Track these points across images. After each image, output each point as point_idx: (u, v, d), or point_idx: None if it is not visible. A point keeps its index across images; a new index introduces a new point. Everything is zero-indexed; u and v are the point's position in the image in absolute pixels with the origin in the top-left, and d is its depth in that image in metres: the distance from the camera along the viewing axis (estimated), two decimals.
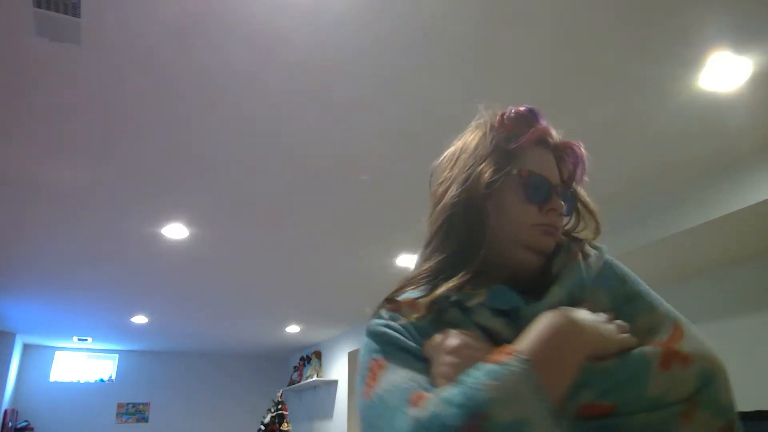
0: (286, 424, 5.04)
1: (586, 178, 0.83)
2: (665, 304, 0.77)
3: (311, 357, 7.49)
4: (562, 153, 0.82)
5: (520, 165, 0.75)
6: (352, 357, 6.56)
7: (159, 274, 4.43)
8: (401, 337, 0.68)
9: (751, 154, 2.59)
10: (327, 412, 6.98)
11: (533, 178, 0.75)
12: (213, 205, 3.18)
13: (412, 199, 3.00)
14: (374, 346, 0.69)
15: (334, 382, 6.85)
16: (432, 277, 0.74)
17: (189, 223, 3.40)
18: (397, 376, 0.63)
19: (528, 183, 0.74)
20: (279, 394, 5.49)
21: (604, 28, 1.85)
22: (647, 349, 0.65)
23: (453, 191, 0.75)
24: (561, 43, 1.92)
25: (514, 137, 0.77)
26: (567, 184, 0.81)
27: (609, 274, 0.78)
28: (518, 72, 2.08)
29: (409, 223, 3.33)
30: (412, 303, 0.72)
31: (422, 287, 0.74)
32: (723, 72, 2.03)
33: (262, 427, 5.06)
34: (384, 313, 0.74)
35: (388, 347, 0.68)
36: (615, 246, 3.27)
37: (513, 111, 0.81)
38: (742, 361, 3.25)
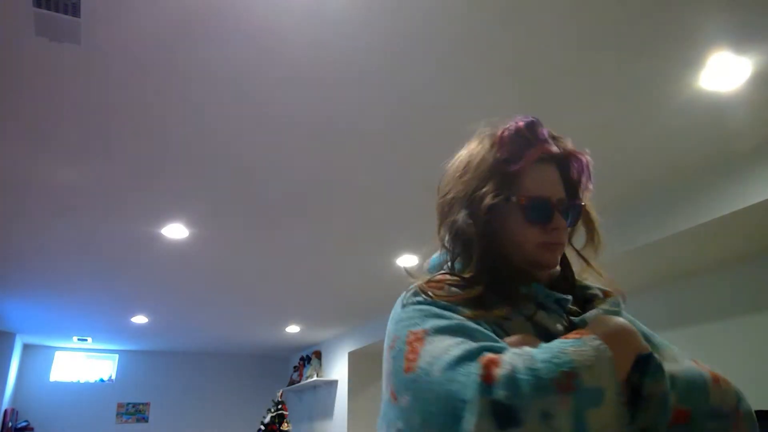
0: (286, 424, 5.04)
1: (591, 186, 0.85)
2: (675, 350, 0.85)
3: (311, 357, 7.49)
4: (567, 162, 0.84)
5: (519, 189, 0.78)
6: (352, 357, 6.56)
7: (159, 274, 4.43)
8: (445, 312, 0.70)
9: (751, 154, 2.59)
10: (327, 412, 6.98)
11: (532, 203, 0.78)
12: (213, 205, 3.18)
13: (413, 200, 3.01)
14: (415, 319, 0.70)
15: (334, 382, 6.85)
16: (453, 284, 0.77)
17: (189, 223, 3.40)
18: (445, 343, 0.64)
19: (527, 208, 0.78)
20: (279, 394, 5.49)
21: (605, 28, 1.84)
22: (693, 365, 0.74)
23: (456, 209, 0.80)
24: (561, 43, 1.92)
25: (513, 159, 0.79)
26: (572, 194, 0.83)
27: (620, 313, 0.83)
28: (519, 72, 2.08)
29: (409, 224, 3.33)
30: (455, 294, 0.74)
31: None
32: (723, 72, 2.03)
33: (262, 427, 5.06)
34: (426, 288, 0.75)
35: (430, 320, 0.69)
36: (615, 246, 3.27)
37: (512, 128, 0.82)
38: (743, 361, 3.25)
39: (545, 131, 0.83)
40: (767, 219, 2.71)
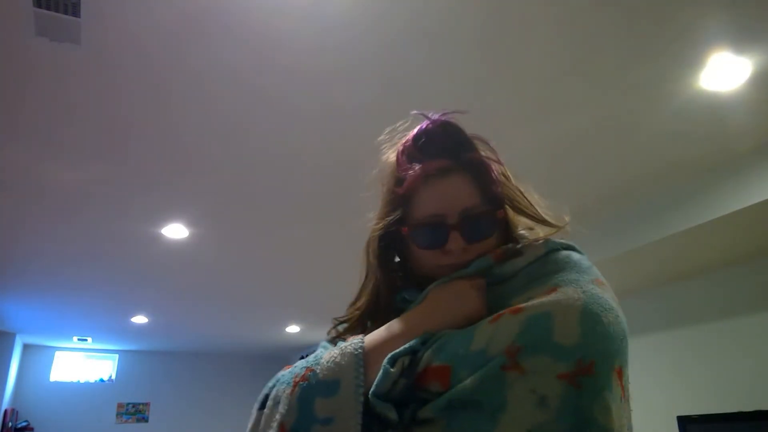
0: None
1: (503, 174, 0.75)
2: (571, 277, 0.66)
3: None
4: (473, 167, 0.74)
5: (409, 213, 0.74)
6: None
7: (159, 274, 4.43)
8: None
9: (751, 154, 2.59)
10: None
11: (419, 231, 0.73)
12: (213, 205, 3.18)
13: None
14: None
15: None
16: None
17: (189, 223, 3.40)
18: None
19: (414, 237, 0.73)
20: None
21: (606, 28, 1.84)
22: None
23: (373, 231, 0.82)
24: (562, 44, 1.92)
25: (403, 179, 0.75)
26: (490, 198, 0.74)
27: (545, 262, 0.71)
28: (519, 72, 2.08)
29: None
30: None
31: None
32: (723, 72, 2.03)
33: None
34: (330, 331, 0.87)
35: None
36: (615, 246, 3.27)
37: (403, 144, 0.78)
38: (743, 361, 3.25)
39: (441, 139, 0.75)
40: (767, 219, 2.71)
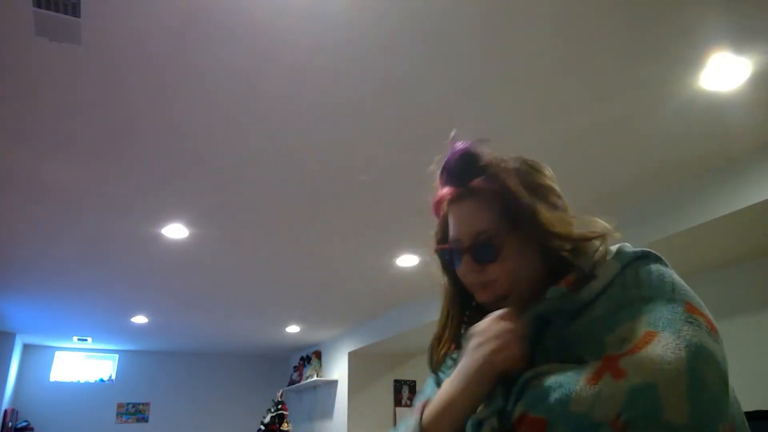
0: (286, 424, 5.04)
1: (519, 187, 0.75)
2: (664, 314, 0.65)
3: (311, 357, 7.49)
4: (484, 193, 0.76)
5: (444, 235, 0.82)
6: (352, 357, 6.56)
7: (159, 274, 4.43)
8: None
9: (751, 154, 2.59)
10: (327, 412, 6.98)
11: (442, 254, 0.82)
12: (213, 205, 3.18)
13: (413, 200, 3.00)
14: None
15: (334, 382, 6.85)
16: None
17: (189, 223, 3.40)
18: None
19: (441, 259, 0.83)
20: (279, 394, 5.49)
21: (605, 28, 1.84)
22: (592, 362, 0.62)
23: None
24: (562, 44, 1.92)
25: (437, 207, 0.84)
26: (500, 219, 0.75)
27: (624, 282, 0.71)
28: (519, 72, 2.08)
29: (409, 224, 3.33)
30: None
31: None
32: (723, 72, 2.03)
33: (262, 427, 5.05)
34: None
35: None
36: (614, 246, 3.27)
37: (438, 174, 0.82)
38: (742, 361, 3.25)
39: (457, 167, 0.78)
40: (767, 219, 2.71)
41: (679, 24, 1.81)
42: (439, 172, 0.81)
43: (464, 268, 0.76)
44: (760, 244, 3.07)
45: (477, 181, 0.77)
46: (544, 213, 0.74)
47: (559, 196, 0.81)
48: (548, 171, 0.84)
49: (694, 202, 2.86)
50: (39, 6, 1.72)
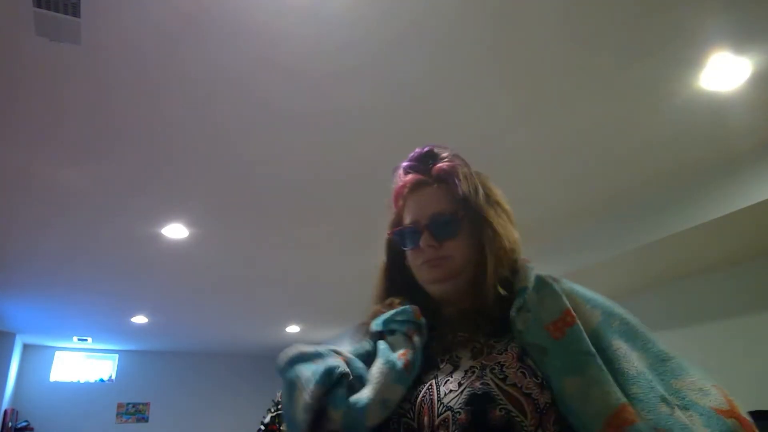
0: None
1: (466, 186, 0.83)
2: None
3: None
4: (442, 179, 0.85)
5: (399, 224, 0.88)
6: None
7: (159, 274, 4.43)
8: None
9: (751, 154, 2.59)
10: None
11: (398, 234, 0.87)
12: (213, 205, 3.18)
13: None
14: None
15: None
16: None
17: (189, 223, 3.40)
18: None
19: (398, 239, 0.87)
20: (279, 394, 5.49)
21: (605, 28, 1.84)
22: None
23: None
24: (562, 44, 1.92)
25: (396, 199, 0.90)
26: (462, 206, 0.83)
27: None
28: (520, 73, 2.08)
29: None
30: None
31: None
32: (723, 72, 2.03)
33: (262, 427, 5.06)
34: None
35: None
36: (615, 246, 3.27)
37: (398, 170, 0.90)
38: (743, 361, 3.25)
39: (420, 160, 0.88)
40: (767, 219, 2.71)
41: (680, 24, 1.81)
42: (401, 167, 0.90)
43: (423, 244, 0.81)
44: (760, 244, 3.07)
45: (439, 168, 0.85)
46: (495, 218, 0.83)
47: (505, 212, 0.87)
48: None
49: (694, 202, 2.86)
50: (39, 6, 1.72)
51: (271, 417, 5.07)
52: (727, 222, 2.75)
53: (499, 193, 0.88)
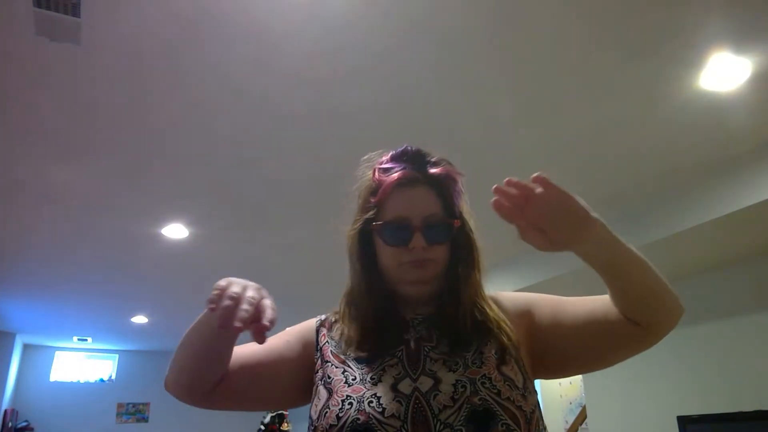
0: (286, 424, 5.04)
1: (463, 203, 0.87)
2: None
3: None
4: (439, 183, 0.84)
5: (380, 216, 0.84)
6: None
7: (159, 274, 4.43)
8: None
9: (751, 154, 2.59)
10: None
11: (387, 227, 0.83)
12: (213, 205, 3.18)
13: None
14: None
15: None
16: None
17: (189, 223, 3.40)
18: None
19: (382, 233, 0.83)
20: None
21: (605, 28, 1.85)
22: None
23: (349, 230, 0.89)
24: (561, 44, 1.92)
25: (377, 189, 0.85)
26: (448, 212, 0.84)
27: None
28: (521, 73, 2.08)
29: None
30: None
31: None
32: (723, 72, 2.03)
33: (262, 427, 5.06)
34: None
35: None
36: None
37: (380, 162, 0.88)
38: (742, 361, 3.25)
39: (413, 157, 0.86)
40: (767, 219, 2.71)
41: (679, 24, 1.81)
42: (383, 161, 0.88)
43: (414, 244, 0.80)
44: (760, 244, 3.08)
45: (436, 171, 0.84)
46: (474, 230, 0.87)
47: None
48: None
49: (694, 202, 2.86)
50: (39, 6, 1.72)
51: (271, 417, 5.07)
52: (727, 222, 2.75)
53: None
